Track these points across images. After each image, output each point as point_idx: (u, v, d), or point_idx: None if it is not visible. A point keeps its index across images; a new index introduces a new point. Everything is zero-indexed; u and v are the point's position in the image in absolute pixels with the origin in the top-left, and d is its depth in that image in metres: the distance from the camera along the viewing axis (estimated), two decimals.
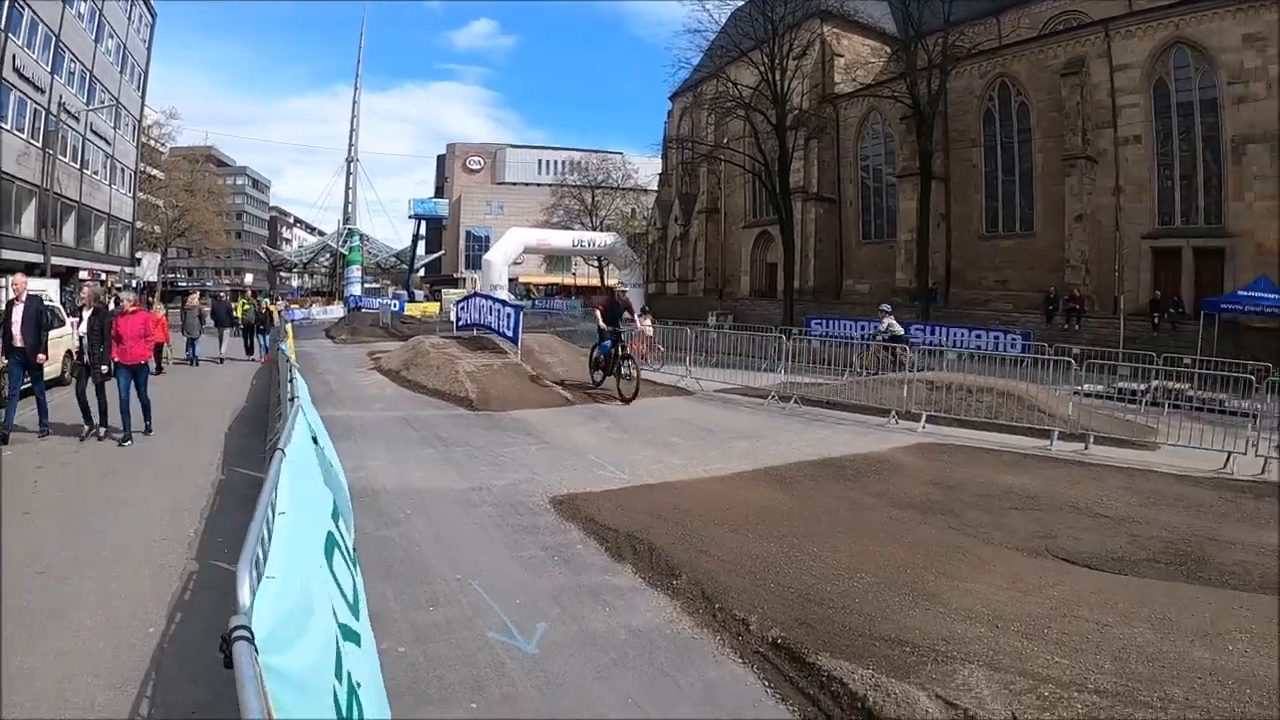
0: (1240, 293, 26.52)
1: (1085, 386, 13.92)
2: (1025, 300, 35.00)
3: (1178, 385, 14.19)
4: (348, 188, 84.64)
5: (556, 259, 76.46)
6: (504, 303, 20.38)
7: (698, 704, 3.88)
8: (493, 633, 4.50)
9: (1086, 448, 11.46)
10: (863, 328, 28.52)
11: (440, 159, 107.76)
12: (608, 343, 14.86)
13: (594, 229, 60.72)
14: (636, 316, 17.33)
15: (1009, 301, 36.04)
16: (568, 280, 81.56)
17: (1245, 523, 7.46)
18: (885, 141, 44.35)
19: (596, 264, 65.51)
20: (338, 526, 3.79)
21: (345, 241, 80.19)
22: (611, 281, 59.57)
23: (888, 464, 9.71)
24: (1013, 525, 7.13)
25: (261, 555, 2.43)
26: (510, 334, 18.00)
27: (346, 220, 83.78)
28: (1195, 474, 9.86)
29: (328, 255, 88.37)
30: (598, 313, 15.30)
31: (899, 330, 17.99)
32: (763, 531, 6.43)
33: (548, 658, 4.25)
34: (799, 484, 8.46)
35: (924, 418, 12.79)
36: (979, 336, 28.01)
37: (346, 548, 3.79)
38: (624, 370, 14.58)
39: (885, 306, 20.42)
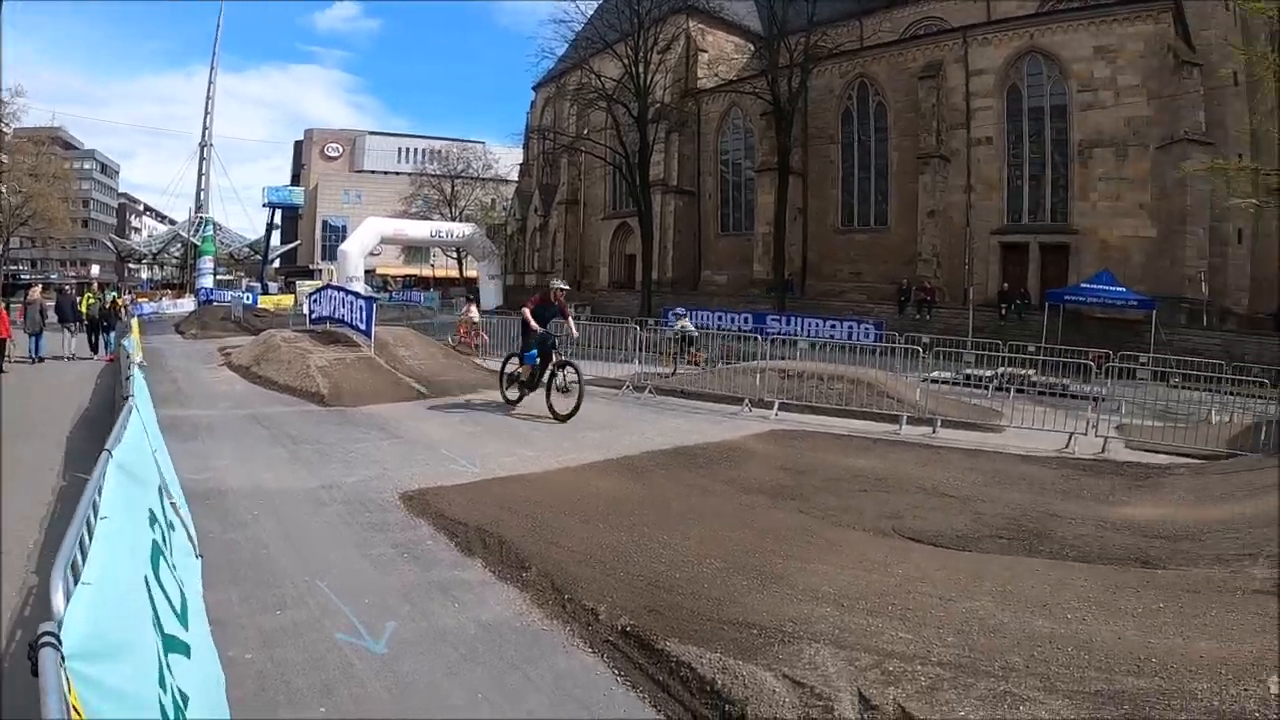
0: (1083, 285, 28.97)
1: (935, 373, 14.64)
2: (879, 292, 36.87)
3: (1023, 371, 15.13)
4: (201, 174, 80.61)
5: (415, 250, 75.64)
6: (357, 295, 19.85)
7: (548, 695, 3.83)
8: (341, 634, 4.35)
9: (934, 431, 11.92)
10: (719, 318, 29.11)
11: (298, 145, 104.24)
12: (533, 352, 12.05)
13: (453, 219, 60.28)
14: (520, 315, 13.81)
15: (863, 293, 37.83)
16: (426, 272, 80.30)
17: (1085, 498, 7.79)
18: (746, 136, 45.70)
19: (455, 255, 64.70)
20: (165, 534, 3.65)
21: (197, 231, 76.27)
22: (471, 273, 58.99)
23: (739, 451, 9.83)
24: (861, 507, 7.24)
25: (80, 560, 2.38)
26: (363, 327, 17.46)
27: (199, 208, 79.64)
28: (1039, 454, 10.37)
29: (179, 245, 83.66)
30: (526, 312, 12.24)
31: (693, 332, 18.66)
32: (613, 521, 6.39)
33: (397, 657, 4.15)
34: (651, 473, 8.45)
35: (776, 405, 13.06)
36: (833, 327, 29.05)
37: (169, 555, 3.59)
38: (560, 381, 11.86)
39: (679, 310, 22.85)
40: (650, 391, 14.56)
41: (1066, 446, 11.08)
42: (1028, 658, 3.99)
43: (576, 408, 11.45)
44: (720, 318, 31.29)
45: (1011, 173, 35.96)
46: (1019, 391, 14.28)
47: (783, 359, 15.56)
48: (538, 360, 12.04)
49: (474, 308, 26.42)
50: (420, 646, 4.25)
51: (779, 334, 23.03)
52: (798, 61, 38.36)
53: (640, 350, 16.19)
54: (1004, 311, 32.65)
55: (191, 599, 3.64)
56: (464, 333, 23.27)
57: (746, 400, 13.38)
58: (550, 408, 11.72)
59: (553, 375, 11.95)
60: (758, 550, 5.77)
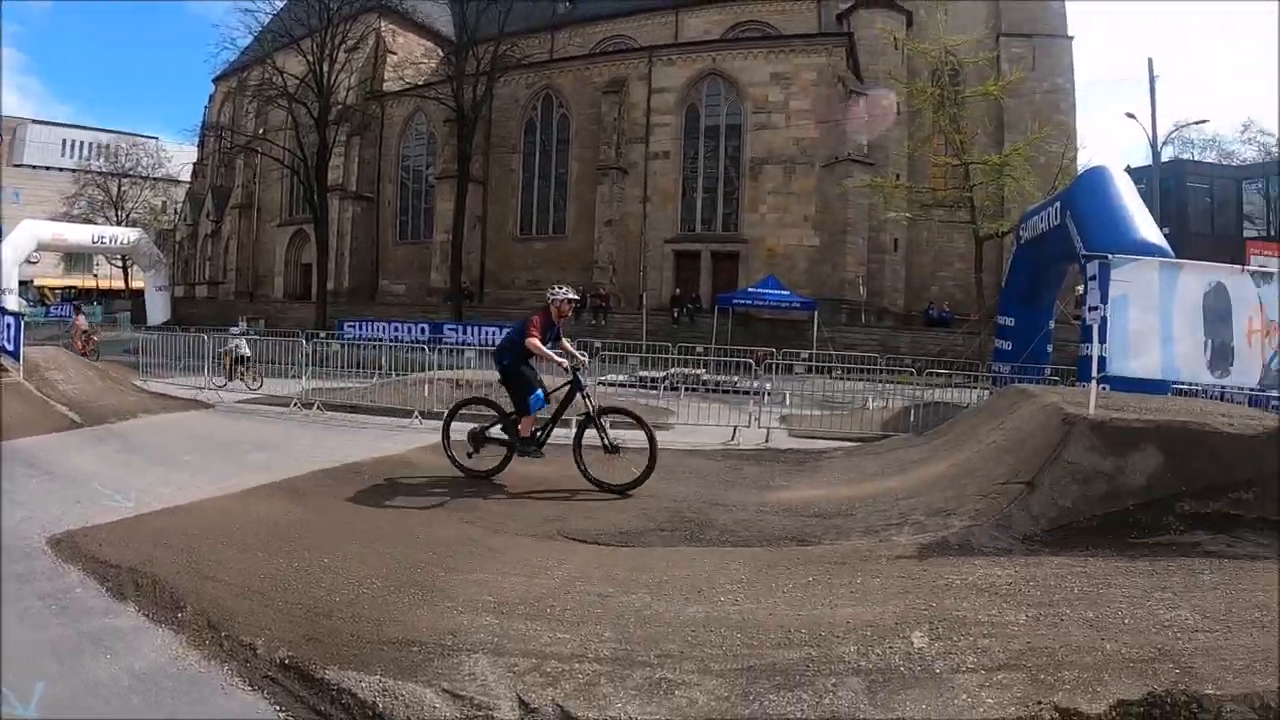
0: (750, 289, 31.99)
1: (609, 376, 15.00)
2: None
3: (693, 371, 15.91)
4: None
5: (77, 258, 67.61)
6: (3, 311, 17.42)
7: None
8: None
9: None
10: (395, 328, 28.72)
11: None
12: (540, 394, 8.44)
13: (120, 223, 54.65)
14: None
15: (541, 300, 37.98)
16: (89, 282, 72.18)
17: (747, 486, 8.18)
18: (429, 142, 45.61)
19: (121, 264, 58.93)
20: None
21: None
22: (138, 283, 53.74)
23: (406, 464, 9.53)
24: (527, 513, 7.25)
25: None
26: (10, 348, 15.31)
27: None
28: (704, 448, 10.83)
29: None
30: (535, 342, 8.35)
31: (247, 352, 18.77)
32: (273, 548, 5.95)
33: None
34: (314, 494, 7.98)
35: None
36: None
37: None
38: (607, 439, 8.32)
39: (235, 328, 24.00)
40: (318, 408, 13.92)
41: (732, 439, 11.71)
42: (683, 643, 4.10)
43: (648, 472, 7.99)
44: (396, 328, 30.81)
45: (687, 185, 38.71)
46: (690, 390, 14.96)
47: (456, 368, 15.53)
48: (545, 406, 8.59)
49: (81, 316, 27.43)
50: (71, 705, 3.80)
51: (455, 343, 23.21)
52: (485, 70, 38.82)
53: (308, 365, 15.44)
54: (677, 315, 34.75)
55: None
56: (80, 344, 22.58)
57: (417, 412, 13.13)
58: (587, 475, 8.21)
59: (585, 427, 8.40)
60: (420, 565, 5.62)
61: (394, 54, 47.09)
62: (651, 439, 8.07)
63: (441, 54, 48.65)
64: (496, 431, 8.62)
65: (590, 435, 8.32)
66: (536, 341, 8.34)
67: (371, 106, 45.78)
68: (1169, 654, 3.67)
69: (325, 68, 39.17)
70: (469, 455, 8.56)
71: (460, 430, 8.76)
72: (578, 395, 8.42)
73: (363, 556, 5.81)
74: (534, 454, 8.42)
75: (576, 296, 9.11)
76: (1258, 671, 3.48)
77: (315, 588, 5.14)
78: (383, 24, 46.38)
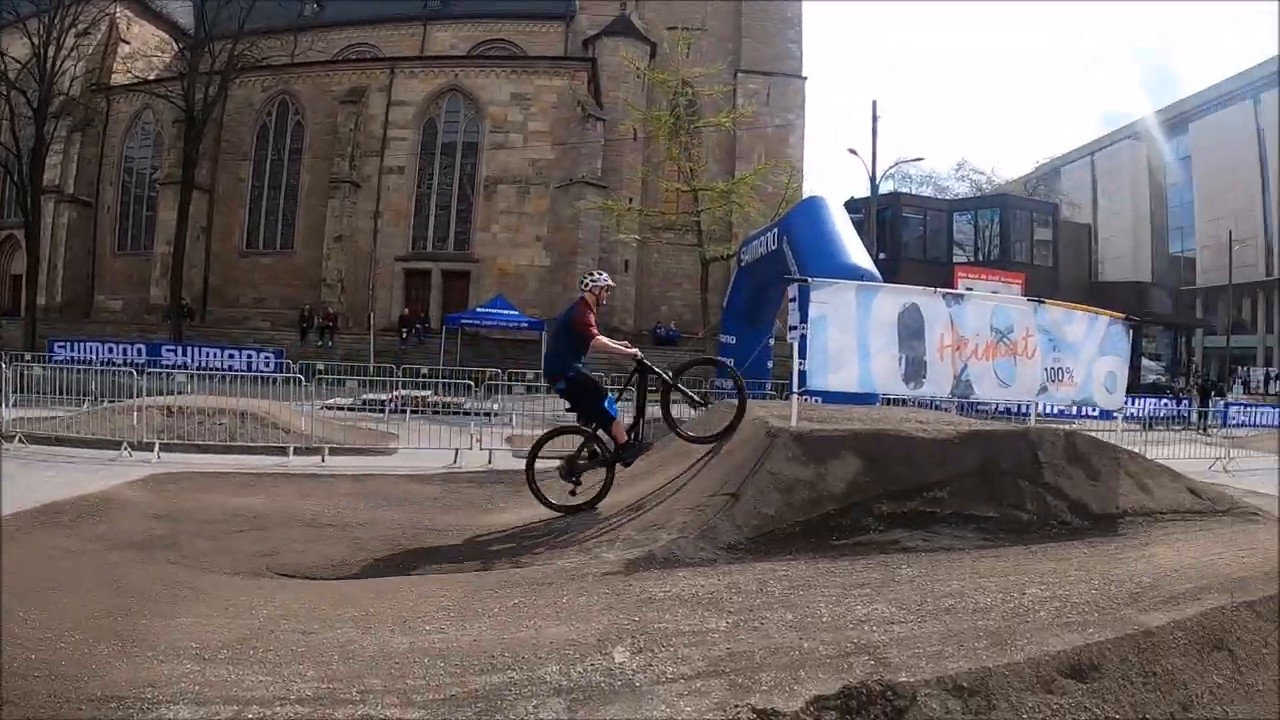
0: (479, 309, 32.26)
1: (333, 400, 14.70)
2: (283, 318, 36.54)
3: (419, 393, 15.82)
4: None
5: None
6: None
7: None
8: None
9: (324, 460, 12.01)
10: (109, 350, 26.65)
11: None
12: (612, 397, 7.79)
13: None
14: None
15: (267, 319, 37.28)
16: None
17: (466, 510, 8.18)
18: (155, 144, 41.92)
19: None
20: None
21: None
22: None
23: (112, 503, 8.73)
24: (236, 549, 6.91)
25: None
26: None
27: None
28: (426, 472, 10.75)
29: None
30: (606, 340, 7.88)
31: None
32: None
33: None
34: (8, 540, 7.12)
35: (158, 446, 12.17)
36: (232, 356, 27.92)
37: None
38: (689, 397, 8.52)
39: None
40: (20, 441, 12.66)
41: (455, 462, 11.81)
42: (386, 677, 4.05)
43: (740, 413, 8.00)
44: (111, 349, 28.24)
45: (421, 202, 38.38)
46: (415, 413, 14.97)
47: (173, 394, 14.70)
48: (617, 403, 7.86)
49: None
50: None
51: (172, 366, 21.80)
52: (220, 68, 35.97)
53: (14, 392, 13.96)
54: (405, 336, 34.42)
55: None
56: None
57: (125, 444, 12.24)
58: (684, 435, 8.32)
59: (668, 395, 8.08)
60: (122, 612, 5.22)
61: (127, 43, 42.77)
62: (740, 385, 8.32)
63: (177, 48, 44.56)
64: (584, 457, 7.75)
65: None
66: (605, 339, 7.79)
67: (97, 100, 41.71)
68: (865, 647, 3.99)
69: (51, 52, 34.81)
70: (571, 493, 7.57)
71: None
72: (648, 376, 7.95)
73: (61, 607, 5.33)
74: (642, 450, 8.17)
75: (613, 283, 8.45)
76: (949, 655, 3.85)
77: (9, 646, 4.67)
78: (118, 9, 41.99)
